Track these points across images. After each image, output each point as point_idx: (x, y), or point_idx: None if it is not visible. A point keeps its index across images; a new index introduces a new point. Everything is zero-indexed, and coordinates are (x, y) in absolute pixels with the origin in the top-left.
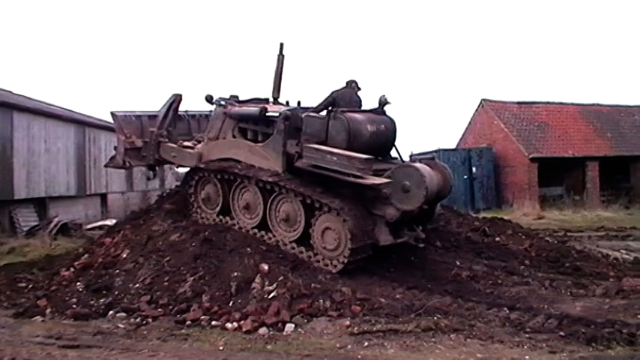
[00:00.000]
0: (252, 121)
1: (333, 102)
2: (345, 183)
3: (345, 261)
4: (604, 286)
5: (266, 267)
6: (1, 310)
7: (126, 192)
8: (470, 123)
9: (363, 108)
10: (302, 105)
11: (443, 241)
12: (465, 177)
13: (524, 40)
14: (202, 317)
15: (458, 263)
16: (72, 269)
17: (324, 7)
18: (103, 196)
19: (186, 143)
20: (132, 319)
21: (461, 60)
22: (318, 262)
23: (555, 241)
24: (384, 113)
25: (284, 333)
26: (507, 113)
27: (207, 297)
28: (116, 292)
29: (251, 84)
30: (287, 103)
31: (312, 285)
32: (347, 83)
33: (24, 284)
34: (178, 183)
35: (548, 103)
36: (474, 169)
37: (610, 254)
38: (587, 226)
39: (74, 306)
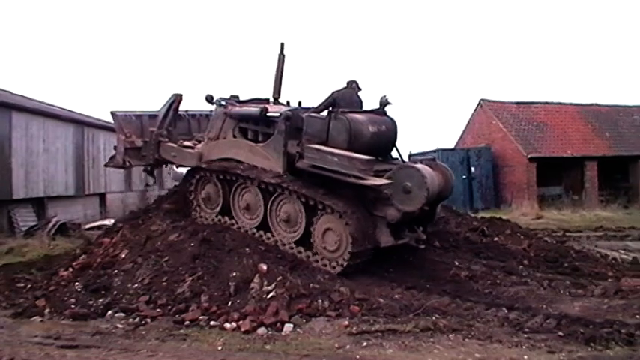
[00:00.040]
0: (253, 122)
1: (333, 102)
2: (345, 184)
3: (345, 264)
4: (602, 286)
5: (265, 267)
6: None
7: (125, 192)
8: (468, 123)
9: (363, 108)
10: (303, 105)
11: (441, 241)
12: (464, 177)
13: (522, 40)
14: (201, 317)
15: (456, 263)
16: (70, 269)
17: (325, 7)
18: (102, 196)
19: (186, 143)
20: (130, 319)
21: (459, 60)
22: (317, 261)
23: (554, 241)
24: (385, 114)
25: (282, 333)
26: (506, 113)
27: (205, 297)
28: (115, 292)
29: (251, 84)
30: (287, 103)
31: (311, 285)
32: (347, 83)
33: (22, 284)
34: (177, 183)
35: (546, 103)
36: (472, 169)
37: (608, 254)
38: (586, 226)
39: (73, 306)
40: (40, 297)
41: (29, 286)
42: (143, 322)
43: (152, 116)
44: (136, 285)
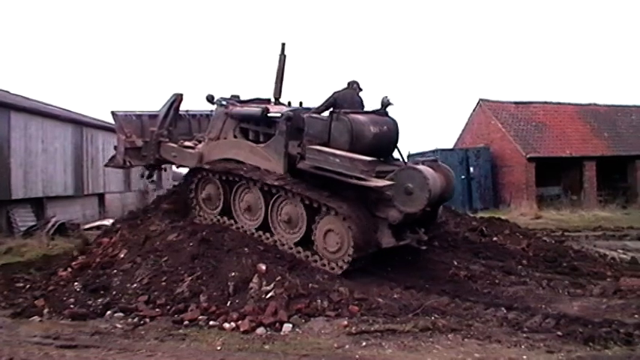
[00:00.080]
0: (254, 122)
1: (334, 103)
2: (347, 185)
3: (345, 267)
4: (601, 285)
5: (263, 267)
6: None
7: (123, 192)
8: (467, 123)
9: (365, 109)
10: (304, 105)
11: (440, 241)
12: (463, 177)
13: (521, 40)
14: (200, 317)
15: (455, 263)
16: (69, 269)
17: (325, 7)
18: (101, 196)
19: (186, 143)
20: (129, 319)
21: (458, 60)
22: (316, 261)
23: (553, 241)
24: (386, 114)
25: (282, 333)
26: (505, 113)
27: (204, 297)
28: (114, 292)
29: (252, 84)
30: (289, 103)
31: (310, 285)
32: (348, 84)
33: (21, 284)
34: (175, 183)
35: (545, 103)
36: (471, 169)
37: (607, 254)
38: (585, 226)
39: (72, 306)
40: (38, 297)
41: (28, 286)
42: (142, 322)
43: (152, 116)
44: (135, 285)
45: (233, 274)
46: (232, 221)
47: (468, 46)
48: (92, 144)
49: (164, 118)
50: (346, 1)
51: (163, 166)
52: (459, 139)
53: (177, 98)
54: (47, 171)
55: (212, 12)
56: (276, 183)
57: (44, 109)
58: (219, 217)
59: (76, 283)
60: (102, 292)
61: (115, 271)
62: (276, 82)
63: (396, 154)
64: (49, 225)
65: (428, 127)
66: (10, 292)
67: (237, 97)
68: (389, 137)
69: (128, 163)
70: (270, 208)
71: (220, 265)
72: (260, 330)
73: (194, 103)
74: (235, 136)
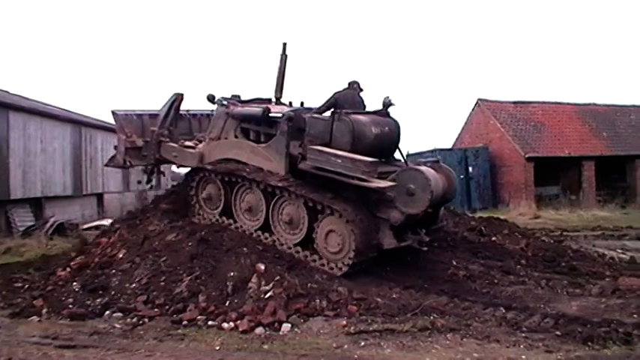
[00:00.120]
0: (255, 122)
1: (335, 103)
2: (348, 185)
3: (345, 269)
4: (600, 285)
5: (262, 267)
6: None
7: (122, 192)
8: (466, 123)
9: (366, 109)
10: (305, 105)
11: (439, 241)
12: (462, 177)
13: (520, 39)
14: (199, 317)
15: (454, 263)
16: (68, 269)
17: (325, 8)
18: (100, 196)
19: (187, 143)
20: (128, 319)
21: (457, 60)
22: (315, 261)
23: (551, 241)
24: (388, 115)
25: (280, 333)
26: (503, 113)
27: (203, 297)
28: (112, 292)
29: (253, 84)
30: (290, 103)
31: (309, 285)
32: (349, 84)
33: (20, 284)
34: (174, 183)
35: (544, 102)
36: (470, 168)
37: (606, 254)
38: (584, 226)
39: (70, 306)
40: (37, 297)
41: (27, 286)
42: (141, 322)
43: (153, 115)
44: (134, 285)
45: (232, 273)
46: (233, 221)
47: (466, 45)
48: (91, 144)
49: (165, 118)
50: (346, 1)
51: (163, 169)
52: (457, 139)
53: (178, 98)
54: (46, 171)
55: (213, 11)
56: (280, 184)
57: (43, 109)
58: (219, 217)
59: (74, 283)
60: (100, 292)
61: (114, 271)
62: (277, 82)
63: (397, 155)
64: (48, 225)
65: (427, 126)
66: (9, 292)
67: (238, 96)
68: (390, 138)
69: (128, 163)
70: (271, 208)
71: (219, 265)
72: (259, 330)
73: (195, 103)
74: (236, 136)
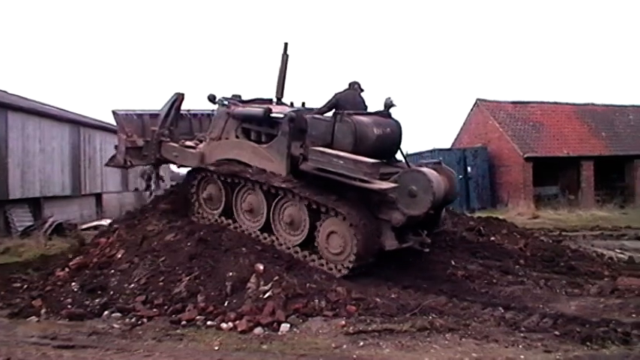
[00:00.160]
0: (256, 122)
1: (336, 104)
2: (349, 186)
3: (345, 272)
4: (599, 285)
5: (261, 267)
6: None
7: (121, 192)
8: (465, 123)
9: (367, 109)
10: (306, 106)
11: (438, 241)
12: (460, 177)
13: (519, 40)
14: (197, 317)
15: (453, 263)
16: (67, 269)
17: (325, 8)
18: (98, 196)
19: (188, 143)
20: (127, 320)
21: (456, 60)
22: (314, 261)
23: (550, 241)
24: (389, 116)
25: (279, 333)
26: (502, 113)
27: (202, 297)
28: (111, 293)
29: (254, 84)
30: (291, 103)
31: (308, 285)
32: (349, 85)
33: (19, 284)
34: (173, 183)
35: (542, 102)
36: (469, 168)
37: (605, 253)
38: (582, 226)
39: (69, 306)
40: (36, 297)
41: (25, 286)
42: (140, 322)
43: (154, 115)
44: (133, 285)
45: (231, 274)
46: (234, 222)
47: (465, 45)
48: (90, 144)
49: (165, 118)
50: (346, 1)
51: (162, 174)
52: (456, 139)
53: (179, 97)
54: (45, 171)
55: (214, 11)
56: (283, 185)
57: (42, 109)
58: (220, 217)
59: (73, 284)
60: (99, 292)
61: (113, 271)
62: (278, 82)
63: (398, 156)
64: (47, 225)
65: (425, 126)
66: (8, 292)
67: (239, 96)
68: (392, 139)
69: (129, 163)
70: (272, 209)
71: (218, 265)
72: (258, 330)
73: (195, 103)
74: (237, 137)
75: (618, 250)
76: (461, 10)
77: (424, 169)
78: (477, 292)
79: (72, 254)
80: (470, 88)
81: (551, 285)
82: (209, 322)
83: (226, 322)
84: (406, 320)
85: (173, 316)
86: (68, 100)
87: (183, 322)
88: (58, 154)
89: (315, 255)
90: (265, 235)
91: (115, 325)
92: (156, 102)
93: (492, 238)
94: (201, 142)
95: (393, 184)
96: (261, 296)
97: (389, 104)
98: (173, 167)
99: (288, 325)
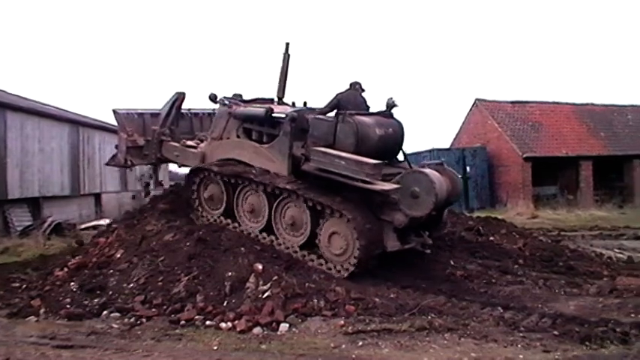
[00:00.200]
0: (258, 122)
1: (338, 104)
2: (351, 187)
3: (347, 274)
4: (598, 285)
5: (260, 266)
6: None
7: (120, 192)
8: (464, 122)
9: (369, 109)
10: (308, 106)
11: (437, 241)
12: (459, 176)
13: (518, 40)
14: (196, 317)
15: (452, 262)
16: (66, 269)
17: (324, 8)
18: (97, 196)
19: (189, 142)
20: (126, 319)
21: (455, 60)
22: (313, 261)
23: (549, 241)
24: (391, 116)
25: (278, 333)
26: (501, 113)
27: (201, 297)
28: (110, 292)
29: (255, 83)
30: (293, 103)
31: (307, 284)
32: (350, 85)
33: (18, 284)
34: (172, 183)
35: (541, 102)
36: (468, 168)
37: (604, 253)
38: (581, 226)
39: (68, 306)
40: (35, 297)
41: (24, 286)
42: (139, 322)
43: (154, 114)
44: (132, 285)
45: (230, 273)
46: (235, 223)
47: (464, 45)
48: (89, 144)
49: (166, 117)
50: (346, 2)
51: (161, 180)
52: (455, 139)
53: (180, 97)
54: (44, 171)
55: (215, 10)
56: (288, 187)
57: (41, 108)
58: (221, 217)
59: (72, 283)
60: (98, 292)
61: (112, 271)
62: (279, 82)
63: (400, 156)
64: (46, 225)
65: (424, 126)
66: (7, 292)
67: (240, 95)
68: (394, 139)
69: (130, 162)
70: (273, 210)
71: (217, 264)
72: (257, 330)
73: (196, 102)
74: (238, 136)
75: (617, 250)
76: (460, 10)
77: (427, 171)
78: (476, 292)
79: (69, 255)
80: (469, 87)
81: (550, 285)
82: (208, 322)
83: (225, 322)
84: (405, 320)
85: (172, 316)
86: (67, 99)
87: (182, 322)
88: (57, 154)
89: (314, 255)
90: (264, 234)
91: (114, 325)
92: (157, 101)
93: (491, 238)
94: (202, 141)
95: (395, 185)
96: (260, 296)
97: (391, 104)
98: (171, 167)
99: (287, 325)
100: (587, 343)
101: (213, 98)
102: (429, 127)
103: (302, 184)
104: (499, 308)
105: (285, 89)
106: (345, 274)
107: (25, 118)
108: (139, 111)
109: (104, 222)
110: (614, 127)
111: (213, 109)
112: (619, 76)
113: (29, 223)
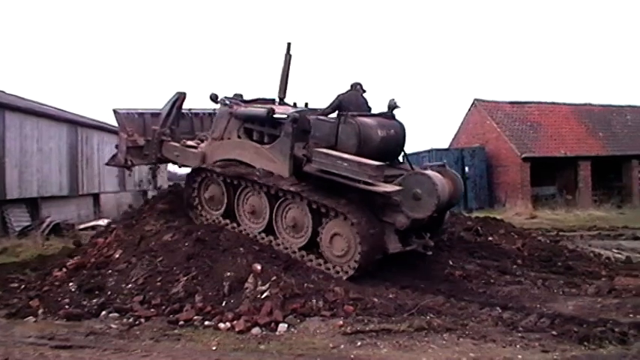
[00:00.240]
0: (259, 122)
1: (339, 105)
2: (353, 188)
3: (347, 275)
4: (596, 285)
5: (259, 267)
6: None
7: (119, 192)
8: (463, 123)
9: (370, 110)
10: (309, 106)
11: (436, 241)
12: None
13: (517, 40)
14: (195, 317)
15: (451, 263)
16: (64, 269)
17: (325, 9)
18: (96, 196)
19: (189, 142)
20: (124, 320)
21: (454, 60)
22: (312, 261)
23: (548, 241)
24: (393, 117)
25: (277, 333)
26: (500, 113)
27: (200, 297)
28: (109, 293)
29: (257, 83)
30: (294, 104)
31: (305, 285)
32: (351, 86)
33: (16, 284)
34: (171, 183)
35: (540, 102)
36: (466, 168)
37: (602, 253)
38: (580, 226)
39: (67, 306)
40: (33, 297)
41: (23, 286)
42: (137, 322)
43: (155, 114)
44: (130, 285)
45: (228, 274)
46: (234, 223)
47: (463, 46)
48: (87, 144)
49: (167, 117)
50: (346, 2)
51: (160, 184)
52: (454, 139)
53: (180, 97)
54: (42, 171)
55: (216, 10)
56: (292, 189)
57: (39, 108)
58: (221, 218)
59: (70, 284)
60: (97, 292)
61: (110, 271)
62: (281, 82)
63: (401, 158)
64: (44, 225)
65: (423, 126)
66: (5, 292)
67: (240, 95)
68: (396, 141)
69: (130, 162)
70: (274, 211)
71: (216, 265)
72: (255, 330)
73: (197, 102)
74: (239, 137)
75: (615, 250)
76: (459, 10)
77: (429, 172)
78: (475, 292)
79: (67, 255)
80: (467, 88)
81: (549, 285)
82: (207, 322)
83: (224, 322)
84: (404, 320)
85: (171, 316)
86: (66, 100)
87: (181, 322)
88: (56, 154)
89: (312, 255)
90: (263, 235)
91: (113, 326)
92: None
93: (490, 238)
94: (202, 141)
95: (397, 187)
96: (258, 296)
97: (393, 105)
98: (170, 167)
99: (286, 325)
100: (585, 343)
101: (214, 98)
102: (428, 128)
103: (306, 186)
104: (498, 308)
105: (286, 89)
106: (345, 277)
107: (24, 118)
108: (140, 111)
109: (103, 222)
110: (613, 128)
111: (214, 109)
112: (618, 77)
113: (28, 223)
